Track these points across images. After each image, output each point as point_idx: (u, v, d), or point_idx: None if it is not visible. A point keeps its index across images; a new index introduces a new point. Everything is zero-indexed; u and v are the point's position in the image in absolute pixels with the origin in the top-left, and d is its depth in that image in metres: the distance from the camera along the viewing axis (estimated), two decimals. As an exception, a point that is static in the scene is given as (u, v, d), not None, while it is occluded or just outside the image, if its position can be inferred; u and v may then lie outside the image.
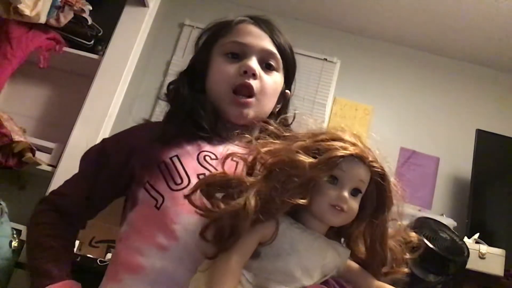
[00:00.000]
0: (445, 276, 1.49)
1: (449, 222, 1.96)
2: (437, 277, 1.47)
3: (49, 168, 1.99)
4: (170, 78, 2.53)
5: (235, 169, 0.73)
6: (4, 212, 1.73)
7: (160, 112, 2.47)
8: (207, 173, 0.81)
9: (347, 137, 0.69)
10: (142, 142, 0.88)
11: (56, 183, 1.95)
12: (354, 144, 0.68)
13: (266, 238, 0.65)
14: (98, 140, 2.01)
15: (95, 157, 0.94)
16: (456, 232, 1.65)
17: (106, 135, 2.12)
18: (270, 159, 0.68)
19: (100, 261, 1.47)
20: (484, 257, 1.79)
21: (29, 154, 1.89)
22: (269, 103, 0.93)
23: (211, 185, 0.68)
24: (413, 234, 0.73)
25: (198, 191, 0.69)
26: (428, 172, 2.50)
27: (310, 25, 2.71)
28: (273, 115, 0.95)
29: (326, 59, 2.63)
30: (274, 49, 0.92)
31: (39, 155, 1.98)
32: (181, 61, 2.61)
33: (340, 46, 2.71)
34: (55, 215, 0.90)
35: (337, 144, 0.66)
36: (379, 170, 0.69)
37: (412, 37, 2.66)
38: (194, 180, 0.79)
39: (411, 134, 2.58)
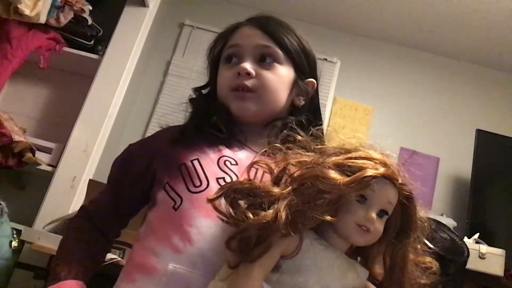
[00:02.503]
0: (445, 276, 1.49)
1: (449, 222, 1.96)
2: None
3: (49, 168, 1.99)
4: (170, 78, 2.56)
5: (254, 176, 0.73)
6: (4, 212, 1.73)
7: (160, 112, 2.47)
8: (226, 177, 0.81)
9: (378, 156, 0.69)
10: (163, 144, 0.89)
11: (56, 183, 1.95)
12: (385, 165, 0.67)
13: (289, 251, 0.64)
14: (98, 140, 2.04)
15: (121, 162, 0.96)
16: (456, 232, 1.65)
17: (106, 135, 2.12)
18: (301, 171, 0.67)
19: (100, 261, 1.46)
20: (484, 257, 1.79)
21: (29, 154, 1.89)
22: (276, 98, 0.91)
23: (238, 192, 0.67)
24: (429, 259, 0.73)
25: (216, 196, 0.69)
26: (428, 172, 2.50)
27: (310, 25, 2.71)
28: (297, 109, 0.95)
29: (326, 59, 2.63)
30: (268, 43, 0.91)
31: (39, 155, 1.98)
32: (181, 61, 2.61)
33: (340, 46, 2.71)
34: (85, 221, 0.93)
35: (369, 163, 0.66)
36: (408, 193, 0.69)
37: (412, 37, 2.66)
38: (213, 184, 0.80)
39: (411, 134, 2.58)
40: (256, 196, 0.66)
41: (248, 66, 0.89)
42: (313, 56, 0.99)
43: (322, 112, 1.04)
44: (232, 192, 0.67)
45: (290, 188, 0.65)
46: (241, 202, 0.67)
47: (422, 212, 0.71)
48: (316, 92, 0.99)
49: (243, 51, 0.91)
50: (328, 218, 0.63)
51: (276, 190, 0.66)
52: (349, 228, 0.66)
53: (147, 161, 0.89)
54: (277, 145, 0.75)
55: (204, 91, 0.99)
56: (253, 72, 0.88)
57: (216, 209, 0.69)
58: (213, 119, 0.89)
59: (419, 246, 0.72)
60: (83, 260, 0.85)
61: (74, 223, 0.94)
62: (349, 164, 0.66)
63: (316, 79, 0.98)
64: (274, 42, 0.91)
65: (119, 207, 0.93)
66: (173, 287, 0.72)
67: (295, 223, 0.62)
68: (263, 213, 0.62)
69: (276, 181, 0.69)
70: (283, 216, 0.61)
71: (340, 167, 0.66)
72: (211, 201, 0.70)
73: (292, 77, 0.93)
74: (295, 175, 0.67)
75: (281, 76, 0.91)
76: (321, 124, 0.95)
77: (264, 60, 0.90)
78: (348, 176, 0.65)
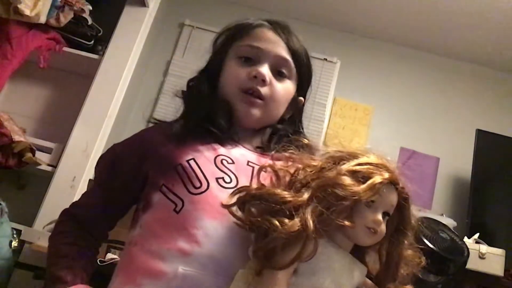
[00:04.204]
0: (445, 276, 1.49)
1: (449, 222, 1.96)
2: (437, 277, 1.47)
3: (49, 168, 2.00)
4: (170, 78, 2.57)
5: (264, 179, 0.74)
6: (4, 212, 1.73)
7: (160, 112, 2.47)
8: (225, 177, 0.81)
9: (381, 161, 0.72)
10: (154, 144, 0.87)
11: (56, 183, 1.95)
12: (388, 170, 0.71)
13: (306, 254, 0.66)
14: (98, 140, 2.04)
15: (108, 163, 0.93)
16: (456, 232, 1.65)
17: (106, 135, 2.12)
18: (319, 178, 0.69)
19: (100, 261, 1.46)
20: (484, 257, 1.79)
21: (29, 154, 1.89)
22: (278, 110, 0.93)
23: (256, 198, 0.69)
24: (418, 254, 0.76)
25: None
26: (428, 172, 2.49)
27: (310, 25, 2.71)
28: (284, 121, 0.96)
29: (326, 59, 2.63)
30: (288, 56, 0.91)
31: (39, 155, 1.98)
32: (181, 61, 2.61)
33: (340, 46, 2.71)
34: (73, 224, 0.91)
35: (376, 169, 0.70)
36: (406, 195, 0.72)
37: (412, 37, 2.66)
38: (213, 184, 0.79)
39: (411, 134, 2.58)
40: (272, 202, 0.67)
41: (266, 72, 0.89)
42: (312, 74, 1.00)
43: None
44: (250, 198, 0.69)
45: (309, 194, 0.67)
46: (253, 209, 0.69)
47: (415, 211, 0.75)
48: (301, 109, 1.01)
49: (263, 56, 0.90)
50: (348, 223, 0.66)
51: (290, 196, 0.67)
52: (359, 231, 0.69)
53: (137, 161, 0.87)
54: (291, 150, 0.77)
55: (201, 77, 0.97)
56: (268, 81, 0.89)
57: (234, 215, 0.70)
58: (216, 114, 0.88)
59: (409, 242, 0.75)
60: (84, 265, 0.85)
61: (61, 227, 0.91)
62: (360, 170, 0.69)
63: (304, 97, 1.00)
64: (293, 58, 0.92)
65: (110, 209, 0.91)
66: None
67: (317, 228, 0.65)
68: (287, 221, 0.64)
69: (289, 186, 0.71)
70: (311, 224, 0.63)
71: (353, 174, 0.69)
72: (227, 207, 0.71)
73: (293, 93, 0.95)
74: (313, 181, 0.69)
75: (287, 91, 0.93)
76: (303, 133, 0.98)
77: (279, 72, 0.91)
78: (360, 181, 0.68)
